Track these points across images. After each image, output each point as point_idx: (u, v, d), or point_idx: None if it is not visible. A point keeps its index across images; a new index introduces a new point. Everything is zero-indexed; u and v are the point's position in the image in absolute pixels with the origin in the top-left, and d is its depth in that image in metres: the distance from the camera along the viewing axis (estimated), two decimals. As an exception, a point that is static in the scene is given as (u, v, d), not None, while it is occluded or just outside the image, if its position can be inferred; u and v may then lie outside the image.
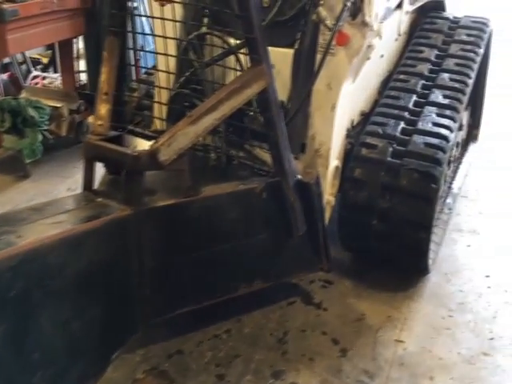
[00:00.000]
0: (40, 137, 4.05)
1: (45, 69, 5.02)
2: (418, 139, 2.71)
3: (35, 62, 5.11)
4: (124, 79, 2.31)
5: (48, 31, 4.02)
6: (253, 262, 2.45)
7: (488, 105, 4.12)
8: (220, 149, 2.47)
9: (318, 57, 2.49)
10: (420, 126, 2.79)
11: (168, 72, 2.34)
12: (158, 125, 2.72)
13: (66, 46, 4.40)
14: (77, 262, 1.85)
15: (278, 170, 2.31)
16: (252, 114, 2.37)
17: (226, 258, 2.35)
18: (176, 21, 2.27)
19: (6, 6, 3.54)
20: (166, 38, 2.28)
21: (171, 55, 2.33)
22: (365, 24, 2.41)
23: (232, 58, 2.47)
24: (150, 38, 3.67)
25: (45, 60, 5.19)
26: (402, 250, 2.71)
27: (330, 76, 2.54)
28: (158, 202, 2.12)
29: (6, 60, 4.62)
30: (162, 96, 2.65)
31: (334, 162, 2.73)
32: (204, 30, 2.53)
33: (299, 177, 2.38)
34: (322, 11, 2.33)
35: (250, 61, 2.06)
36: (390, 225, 2.63)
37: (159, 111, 2.65)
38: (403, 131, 2.77)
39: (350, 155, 2.77)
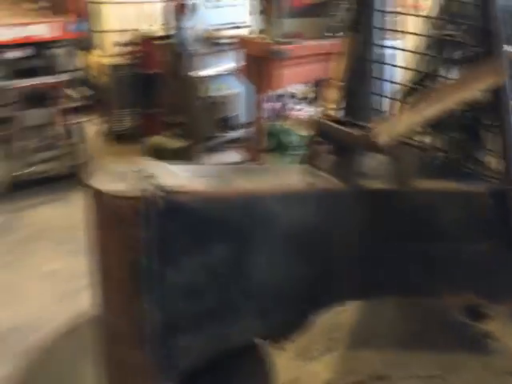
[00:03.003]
0: (295, 160, 4.54)
1: (310, 102, 5.59)
2: None
3: (303, 96, 5.74)
4: (364, 74, 2.43)
5: (313, 70, 4.62)
6: (465, 270, 2.27)
7: None
8: (442, 149, 2.41)
9: None
10: None
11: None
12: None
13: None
14: (290, 217, 2.00)
15: (506, 178, 2.16)
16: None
17: (433, 256, 2.23)
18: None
19: (282, 47, 4.32)
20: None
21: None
22: None
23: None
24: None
25: (311, 95, 5.80)
26: None
27: None
28: (372, 184, 2.15)
29: (280, 92, 5.33)
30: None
31: None
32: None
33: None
34: None
35: (484, 55, 2.04)
36: None
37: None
38: None
39: None
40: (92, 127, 4.71)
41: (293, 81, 4.90)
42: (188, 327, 1.87)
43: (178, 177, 1.90)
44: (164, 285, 1.74)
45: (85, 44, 5.88)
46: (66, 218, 4.15)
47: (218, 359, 1.99)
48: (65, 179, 4.64)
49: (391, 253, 2.18)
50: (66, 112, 4.46)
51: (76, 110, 4.57)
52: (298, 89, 5.63)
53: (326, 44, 4.48)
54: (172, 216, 1.70)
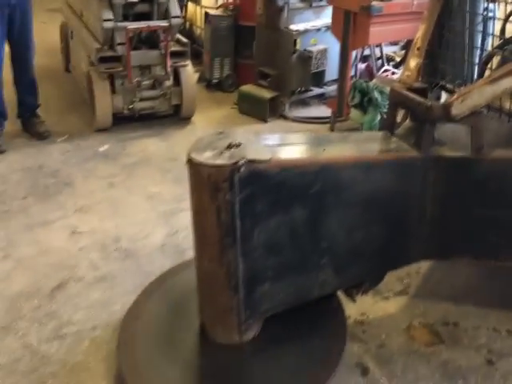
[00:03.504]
0: (379, 117, 4.70)
1: (396, 66, 5.69)
2: None
3: (390, 59, 5.84)
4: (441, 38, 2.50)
5: (403, 29, 4.66)
6: None
7: None
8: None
9: None
10: None
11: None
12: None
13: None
14: (365, 183, 2.17)
15: None
16: None
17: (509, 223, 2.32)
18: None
19: (374, 3, 4.35)
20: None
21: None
22: None
23: None
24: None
25: (398, 58, 5.89)
26: None
27: None
28: (446, 152, 2.22)
29: (366, 53, 5.46)
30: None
31: None
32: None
33: None
34: None
35: None
36: None
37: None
38: None
39: None
40: (191, 73, 5.04)
41: (382, 39, 4.96)
42: (269, 277, 2.13)
43: (262, 146, 2.13)
44: (249, 240, 2.02)
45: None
46: (167, 151, 4.54)
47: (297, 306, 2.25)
48: (166, 117, 5.05)
49: (467, 218, 2.31)
50: (170, 55, 4.76)
51: (178, 55, 4.89)
52: (386, 48, 5.72)
53: (420, 3, 4.46)
54: (254, 182, 1.94)
